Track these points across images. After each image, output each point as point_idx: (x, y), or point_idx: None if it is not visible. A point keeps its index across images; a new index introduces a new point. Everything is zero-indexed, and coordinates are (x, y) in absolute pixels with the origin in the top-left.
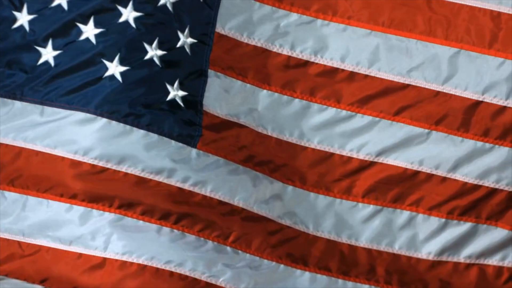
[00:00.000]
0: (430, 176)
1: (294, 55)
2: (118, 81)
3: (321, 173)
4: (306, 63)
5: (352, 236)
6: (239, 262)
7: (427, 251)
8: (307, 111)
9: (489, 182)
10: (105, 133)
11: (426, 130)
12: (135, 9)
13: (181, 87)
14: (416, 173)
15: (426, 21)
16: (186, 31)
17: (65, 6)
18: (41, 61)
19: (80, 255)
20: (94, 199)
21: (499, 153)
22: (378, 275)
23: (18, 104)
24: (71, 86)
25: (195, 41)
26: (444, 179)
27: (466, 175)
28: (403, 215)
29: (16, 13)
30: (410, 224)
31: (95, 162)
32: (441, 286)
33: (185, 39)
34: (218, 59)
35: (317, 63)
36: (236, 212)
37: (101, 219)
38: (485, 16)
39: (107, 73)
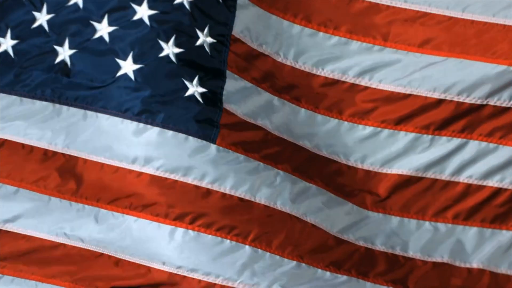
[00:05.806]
0: (434, 182)
1: (297, 66)
2: (131, 79)
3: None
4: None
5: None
6: (258, 262)
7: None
8: (313, 120)
9: (493, 182)
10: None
11: (430, 136)
12: (150, 7)
13: (201, 83)
14: (420, 179)
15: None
16: (206, 30)
17: (80, 4)
18: (58, 60)
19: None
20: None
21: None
22: (396, 278)
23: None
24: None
25: (215, 41)
26: (447, 183)
27: (470, 176)
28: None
29: (35, 13)
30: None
31: (109, 162)
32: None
33: (204, 38)
34: (234, 61)
35: (318, 75)
36: (257, 209)
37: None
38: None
39: (120, 72)
